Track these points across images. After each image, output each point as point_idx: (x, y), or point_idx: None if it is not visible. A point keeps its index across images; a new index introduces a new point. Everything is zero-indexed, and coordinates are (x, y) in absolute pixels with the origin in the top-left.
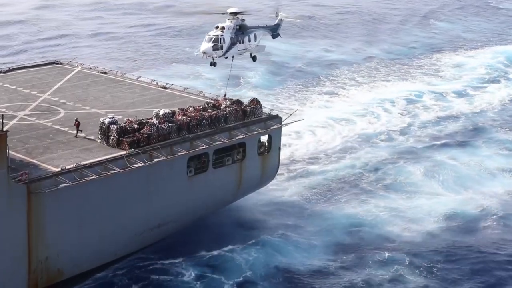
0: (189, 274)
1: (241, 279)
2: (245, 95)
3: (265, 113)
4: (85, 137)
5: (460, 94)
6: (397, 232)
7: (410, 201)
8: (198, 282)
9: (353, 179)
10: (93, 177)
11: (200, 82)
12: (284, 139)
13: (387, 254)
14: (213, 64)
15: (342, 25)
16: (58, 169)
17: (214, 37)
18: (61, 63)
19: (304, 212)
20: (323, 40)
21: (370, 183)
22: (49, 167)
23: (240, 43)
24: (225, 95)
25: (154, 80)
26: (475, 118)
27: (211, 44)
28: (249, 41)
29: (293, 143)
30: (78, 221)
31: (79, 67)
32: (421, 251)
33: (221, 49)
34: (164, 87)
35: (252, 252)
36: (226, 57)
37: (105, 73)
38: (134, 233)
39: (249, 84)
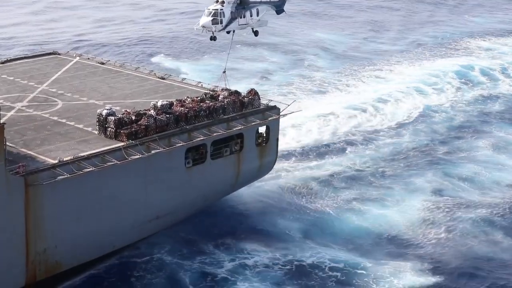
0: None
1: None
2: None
3: (263, 104)
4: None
5: None
6: None
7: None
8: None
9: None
10: (91, 169)
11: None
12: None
13: None
14: (213, 38)
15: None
16: (56, 161)
17: (214, 11)
18: (59, 54)
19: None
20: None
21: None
22: (46, 159)
23: (241, 17)
24: (224, 71)
25: (152, 70)
26: None
27: (210, 18)
28: (251, 16)
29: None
30: (76, 212)
31: (77, 58)
32: None
33: (221, 23)
34: (162, 78)
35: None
36: (228, 32)
37: (103, 63)
38: (132, 224)
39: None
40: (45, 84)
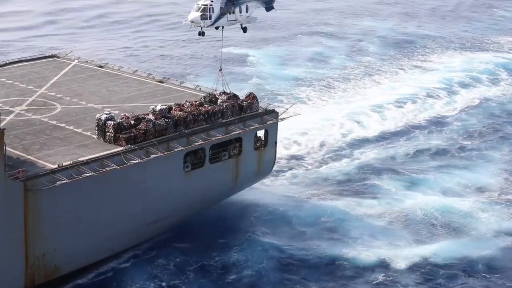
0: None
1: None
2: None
3: (262, 107)
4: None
5: None
6: None
7: None
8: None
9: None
10: (90, 174)
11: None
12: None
13: None
14: (201, 33)
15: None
16: (55, 166)
17: (203, 6)
18: (57, 57)
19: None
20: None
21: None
22: (46, 163)
23: (230, 13)
24: (220, 69)
25: (151, 74)
26: None
27: (199, 13)
28: (240, 12)
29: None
30: (74, 217)
31: (76, 61)
32: None
33: (210, 18)
34: (161, 81)
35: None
36: (217, 28)
37: (101, 66)
38: (130, 228)
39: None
40: (44, 88)
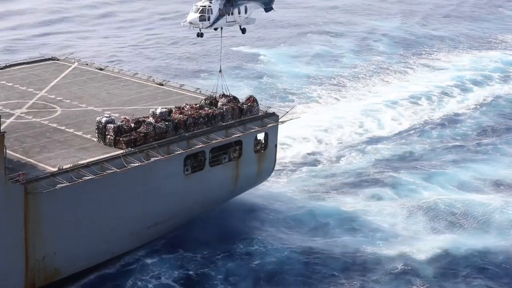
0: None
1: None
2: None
3: (262, 110)
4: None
5: None
6: None
7: None
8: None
9: None
10: (90, 177)
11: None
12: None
13: None
14: (200, 35)
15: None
16: (55, 169)
17: (202, 7)
18: (57, 59)
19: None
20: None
21: None
22: (46, 166)
23: (228, 14)
24: (220, 70)
25: (151, 76)
26: None
27: (198, 15)
28: (239, 13)
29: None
30: (75, 220)
31: (76, 63)
32: None
33: (208, 19)
34: (161, 84)
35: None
36: (215, 29)
37: (101, 69)
38: (131, 231)
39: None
40: (44, 90)
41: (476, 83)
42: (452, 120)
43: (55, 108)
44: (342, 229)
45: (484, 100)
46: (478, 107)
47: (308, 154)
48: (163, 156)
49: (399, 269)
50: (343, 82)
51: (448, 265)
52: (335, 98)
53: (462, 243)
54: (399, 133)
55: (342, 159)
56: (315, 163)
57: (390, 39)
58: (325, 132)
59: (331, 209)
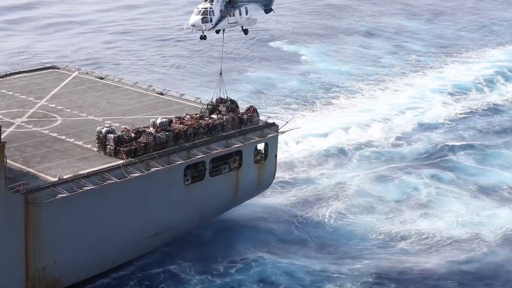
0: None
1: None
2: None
3: (262, 120)
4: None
5: None
6: None
7: None
8: None
9: None
10: (91, 187)
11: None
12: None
13: None
14: (203, 37)
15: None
16: (56, 179)
17: (203, 9)
18: (57, 68)
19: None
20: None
21: None
22: (46, 176)
23: (230, 16)
24: (220, 73)
25: (151, 86)
26: None
27: (200, 17)
28: (240, 14)
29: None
30: (75, 230)
31: (76, 72)
32: None
33: (211, 21)
34: (161, 93)
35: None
36: (217, 31)
37: (102, 78)
38: (131, 241)
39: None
40: (44, 99)
41: None
42: (496, 110)
43: (55, 117)
44: (411, 208)
45: None
46: None
47: (365, 141)
48: (163, 166)
49: (467, 248)
50: (384, 78)
51: None
52: (381, 89)
53: None
54: (449, 119)
55: (398, 144)
56: (373, 146)
57: (420, 38)
58: (375, 120)
59: (397, 190)
